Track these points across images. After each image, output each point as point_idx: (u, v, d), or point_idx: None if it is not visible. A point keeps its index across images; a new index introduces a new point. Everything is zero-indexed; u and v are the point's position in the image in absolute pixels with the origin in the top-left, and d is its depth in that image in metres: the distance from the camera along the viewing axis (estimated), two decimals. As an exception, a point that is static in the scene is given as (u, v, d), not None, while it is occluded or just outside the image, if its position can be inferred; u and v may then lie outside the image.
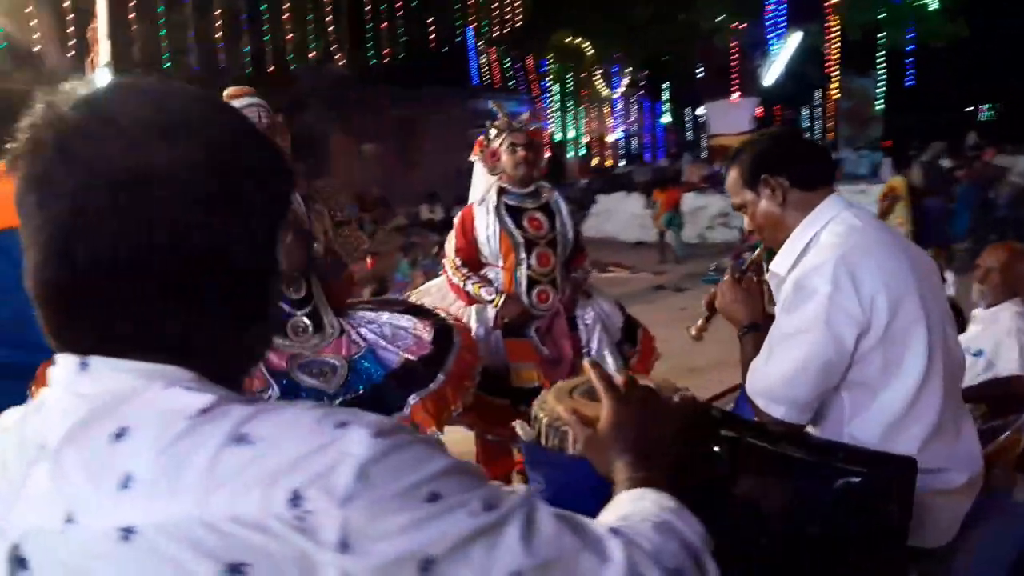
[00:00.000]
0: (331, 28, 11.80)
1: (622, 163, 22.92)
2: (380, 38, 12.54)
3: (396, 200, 17.07)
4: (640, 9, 16.19)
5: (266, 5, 11.16)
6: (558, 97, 21.01)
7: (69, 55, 8.68)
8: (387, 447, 0.62)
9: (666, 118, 22.82)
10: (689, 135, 21.96)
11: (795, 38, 16.39)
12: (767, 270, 1.86)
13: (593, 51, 18.83)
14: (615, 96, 21.15)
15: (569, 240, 3.57)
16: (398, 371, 2.63)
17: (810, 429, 1.76)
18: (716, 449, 1.49)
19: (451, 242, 3.56)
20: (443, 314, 3.05)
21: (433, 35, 12.86)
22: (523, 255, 3.42)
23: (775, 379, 1.65)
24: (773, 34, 16.15)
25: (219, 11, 10.06)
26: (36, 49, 8.88)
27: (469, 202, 3.64)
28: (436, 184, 18.28)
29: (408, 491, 0.61)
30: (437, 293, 3.65)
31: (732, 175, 1.87)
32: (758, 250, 2.03)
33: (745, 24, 15.30)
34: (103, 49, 5.97)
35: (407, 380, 2.60)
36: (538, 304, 3.45)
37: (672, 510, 0.83)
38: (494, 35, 17.48)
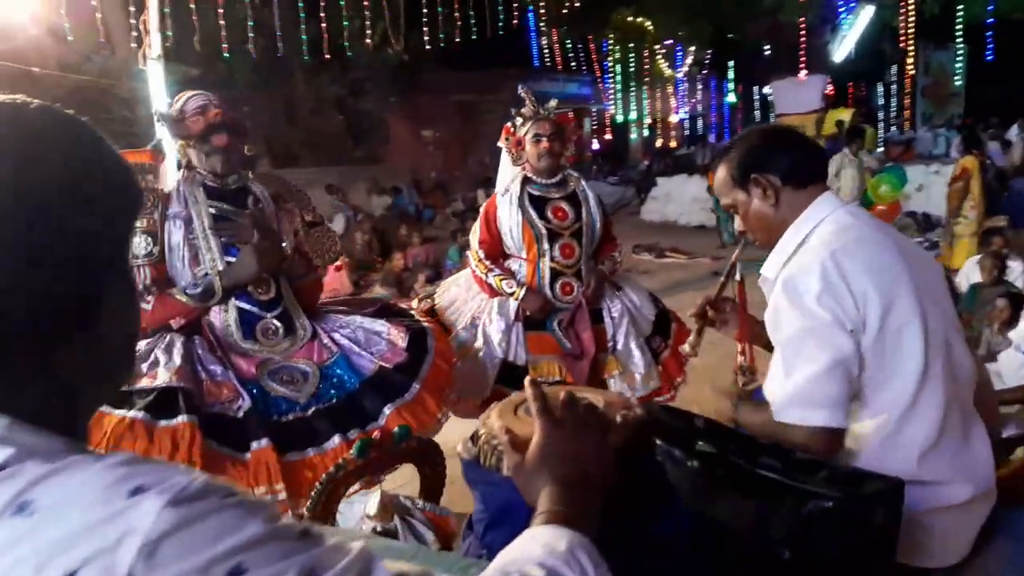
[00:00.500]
0: (388, 13, 11.82)
1: (686, 145, 22.47)
2: (437, 22, 12.51)
3: (455, 185, 17.14)
4: (703, -15, 15.78)
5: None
6: (620, 77, 20.64)
7: (132, 46, 8.92)
8: (183, 518, 0.56)
9: (731, 97, 22.21)
10: (756, 115, 21.32)
11: (867, 12, 15.67)
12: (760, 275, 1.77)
13: (655, 29, 18.41)
14: (678, 75, 20.67)
15: (596, 230, 3.48)
16: (373, 379, 2.55)
17: None
18: (692, 464, 1.43)
19: (475, 234, 3.52)
20: (417, 316, 3.00)
21: (490, 17, 12.75)
22: (546, 246, 3.36)
23: (804, 384, 1.53)
24: (843, 8, 15.48)
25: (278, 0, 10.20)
26: (101, 41, 9.17)
27: (494, 192, 3.59)
28: (494, 169, 18.27)
29: (204, 567, 0.55)
30: (464, 284, 3.63)
31: (721, 174, 1.78)
32: (733, 254, 1.96)
33: (812, -1, 14.72)
34: (154, 41, 6.12)
35: (382, 389, 2.53)
36: (561, 296, 3.39)
37: (561, 555, 0.78)
38: (554, 15, 17.24)
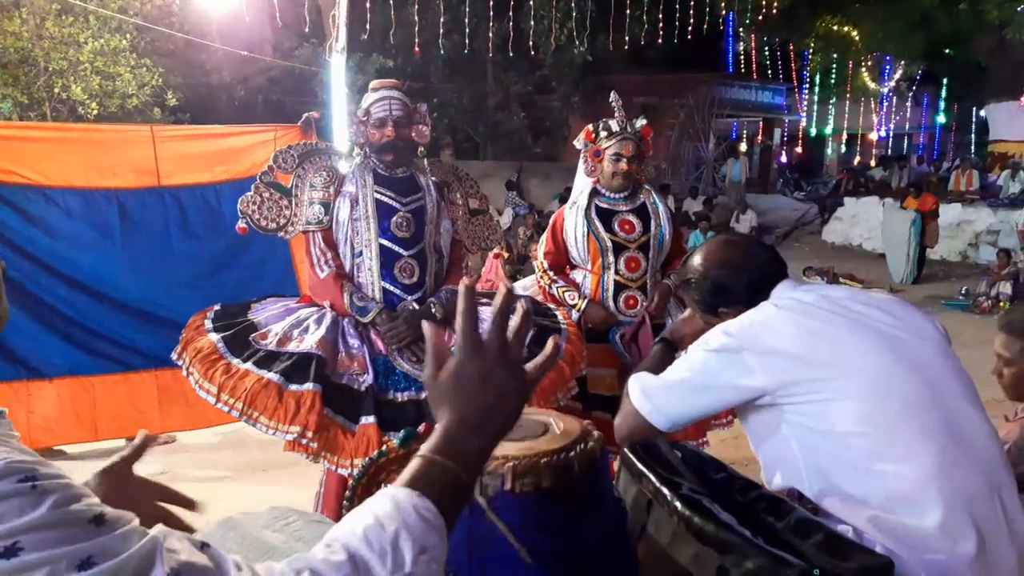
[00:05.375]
0: (575, 13, 11.95)
1: (884, 165, 20.91)
2: (625, 24, 12.46)
3: (627, 187, 16.98)
4: (921, -5, 14.53)
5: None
6: (818, 89, 19.54)
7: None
8: None
9: (942, 118, 20.37)
10: (972, 138, 19.41)
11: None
12: None
13: (862, 40, 17.21)
14: (884, 90, 19.23)
15: (665, 243, 3.43)
16: None
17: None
18: (674, 505, 1.41)
19: (542, 244, 3.54)
20: (559, 315, 3.04)
21: (680, 20, 12.49)
22: (611, 259, 3.35)
23: (661, 383, 1.70)
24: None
25: (470, -1, 10.59)
26: (306, 30, 9.95)
27: (568, 202, 3.55)
28: (672, 172, 17.97)
29: None
30: (531, 294, 3.60)
31: (693, 312, 1.95)
32: None
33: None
34: (340, 35, 6.61)
35: None
36: (624, 310, 3.36)
37: (378, 541, 0.76)
38: (755, 20, 16.60)
